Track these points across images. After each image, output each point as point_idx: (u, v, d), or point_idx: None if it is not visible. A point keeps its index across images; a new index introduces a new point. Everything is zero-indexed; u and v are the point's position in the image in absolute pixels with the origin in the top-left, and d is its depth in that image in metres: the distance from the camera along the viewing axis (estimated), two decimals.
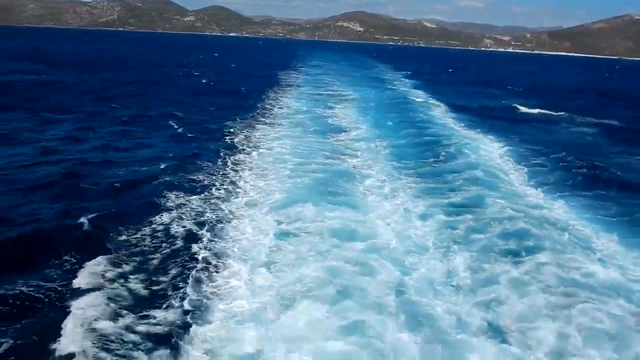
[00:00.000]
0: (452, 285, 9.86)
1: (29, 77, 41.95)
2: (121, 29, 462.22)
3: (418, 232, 12.27)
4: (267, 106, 31.84)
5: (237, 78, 53.34)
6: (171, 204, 13.14)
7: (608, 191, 16.45)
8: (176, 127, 24.38)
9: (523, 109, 38.31)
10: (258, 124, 25.68)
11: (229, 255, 10.56)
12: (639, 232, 12.51)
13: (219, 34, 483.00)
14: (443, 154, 20.18)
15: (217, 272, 9.87)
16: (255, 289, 9.35)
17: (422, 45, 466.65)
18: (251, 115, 28.27)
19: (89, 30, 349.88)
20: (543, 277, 10.08)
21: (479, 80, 72.60)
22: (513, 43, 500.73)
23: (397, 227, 12.54)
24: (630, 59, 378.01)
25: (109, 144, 20.07)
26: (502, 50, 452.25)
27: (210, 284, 9.38)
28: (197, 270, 9.76)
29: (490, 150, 21.65)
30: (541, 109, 38.28)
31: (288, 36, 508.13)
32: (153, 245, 10.87)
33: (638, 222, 13.26)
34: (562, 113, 36.62)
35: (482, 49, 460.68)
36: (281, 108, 31.93)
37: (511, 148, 22.08)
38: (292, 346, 7.81)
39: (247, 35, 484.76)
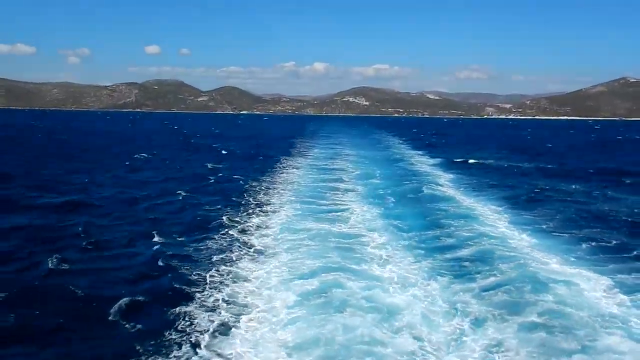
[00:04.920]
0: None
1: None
2: (138, 109, 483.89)
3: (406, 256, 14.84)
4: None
5: None
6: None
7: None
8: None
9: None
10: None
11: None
12: None
13: (231, 112, 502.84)
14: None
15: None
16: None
17: (427, 116, 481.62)
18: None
19: (110, 112, 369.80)
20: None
21: (448, 141, 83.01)
22: (514, 110, 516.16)
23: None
24: (631, 119, 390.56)
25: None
26: (503, 117, 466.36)
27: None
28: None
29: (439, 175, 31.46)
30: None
31: (297, 112, 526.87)
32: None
33: None
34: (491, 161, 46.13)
35: (485, 117, 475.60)
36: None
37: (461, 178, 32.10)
38: None
39: (257, 112, 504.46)
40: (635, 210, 22.37)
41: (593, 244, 16.62)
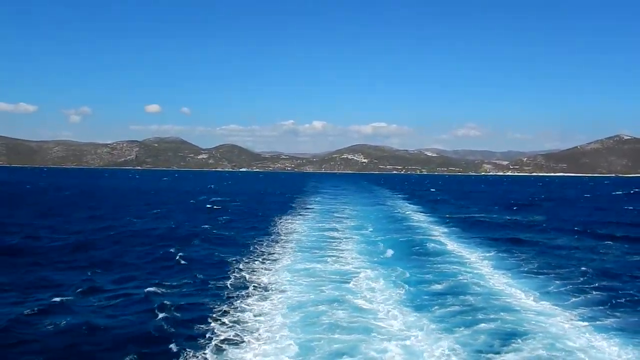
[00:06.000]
0: None
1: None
2: (138, 167, 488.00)
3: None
4: None
5: None
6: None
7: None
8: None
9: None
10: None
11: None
12: None
13: (230, 169, 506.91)
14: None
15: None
16: None
17: (425, 173, 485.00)
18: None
19: (108, 169, 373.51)
20: None
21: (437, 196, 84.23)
22: (511, 167, 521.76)
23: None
24: (628, 176, 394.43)
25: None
26: (501, 174, 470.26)
27: None
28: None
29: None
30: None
31: (296, 169, 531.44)
32: None
33: None
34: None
35: (483, 173, 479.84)
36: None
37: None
38: None
39: (256, 170, 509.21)
40: (604, 257, 24.24)
41: (562, 281, 18.24)
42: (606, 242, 28.80)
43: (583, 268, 20.57)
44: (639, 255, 24.70)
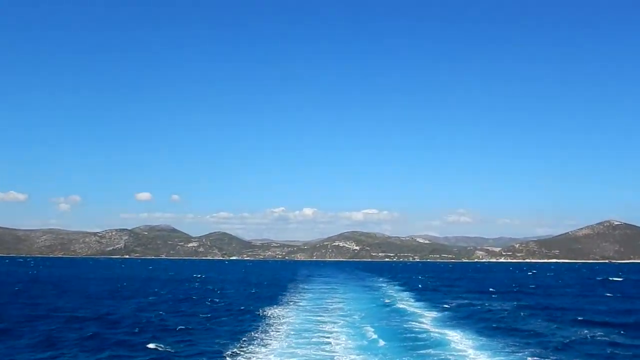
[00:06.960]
0: None
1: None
2: (127, 256, 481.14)
3: None
4: None
5: None
6: None
7: None
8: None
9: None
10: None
11: None
12: None
13: (220, 258, 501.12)
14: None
15: None
16: None
17: (417, 260, 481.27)
18: None
19: (93, 259, 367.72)
20: None
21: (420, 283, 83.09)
22: (504, 253, 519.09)
23: None
24: (621, 262, 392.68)
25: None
26: (494, 261, 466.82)
27: None
28: None
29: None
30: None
31: (287, 257, 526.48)
32: None
33: None
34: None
35: (475, 260, 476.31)
36: None
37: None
38: None
39: (247, 258, 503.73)
40: (573, 339, 26.14)
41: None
42: (578, 326, 30.61)
43: (553, 349, 22.86)
44: (607, 337, 26.59)
